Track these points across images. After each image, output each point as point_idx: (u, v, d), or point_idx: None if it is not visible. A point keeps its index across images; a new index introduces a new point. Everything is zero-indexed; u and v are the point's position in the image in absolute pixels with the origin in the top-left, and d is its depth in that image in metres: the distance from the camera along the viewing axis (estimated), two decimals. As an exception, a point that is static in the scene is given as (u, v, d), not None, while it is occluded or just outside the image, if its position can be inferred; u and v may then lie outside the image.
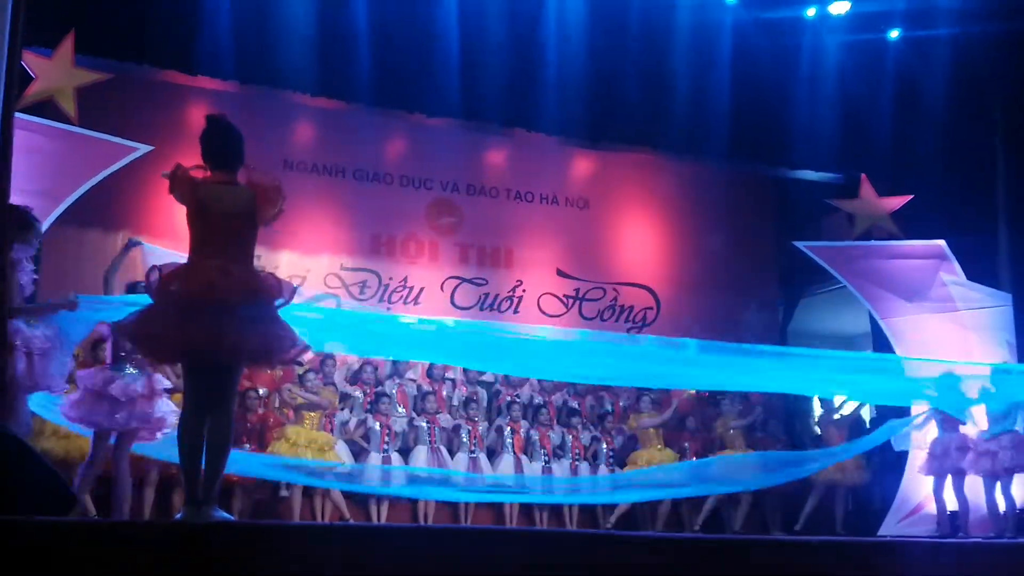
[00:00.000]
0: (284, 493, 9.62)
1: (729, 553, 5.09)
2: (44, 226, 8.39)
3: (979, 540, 8.10)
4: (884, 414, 10.67)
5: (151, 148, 9.17)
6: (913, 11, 11.01)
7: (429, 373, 10.81)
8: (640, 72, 11.28)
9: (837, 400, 11.31)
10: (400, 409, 10.10)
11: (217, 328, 4.84)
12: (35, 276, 6.51)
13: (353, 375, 10.54)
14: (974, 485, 9.28)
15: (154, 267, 5.04)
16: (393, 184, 12.43)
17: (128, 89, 10.31)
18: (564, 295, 12.90)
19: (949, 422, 9.25)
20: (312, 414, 9.52)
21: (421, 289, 12.21)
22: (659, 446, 10.47)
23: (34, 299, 6.69)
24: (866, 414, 11.22)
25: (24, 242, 6.36)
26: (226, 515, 5.32)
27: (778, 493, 10.86)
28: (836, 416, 10.88)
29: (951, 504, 9.44)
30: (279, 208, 5.16)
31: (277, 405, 9.78)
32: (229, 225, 5.04)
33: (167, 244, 10.07)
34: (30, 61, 8.70)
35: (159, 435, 6.88)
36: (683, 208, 13.62)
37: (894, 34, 11.33)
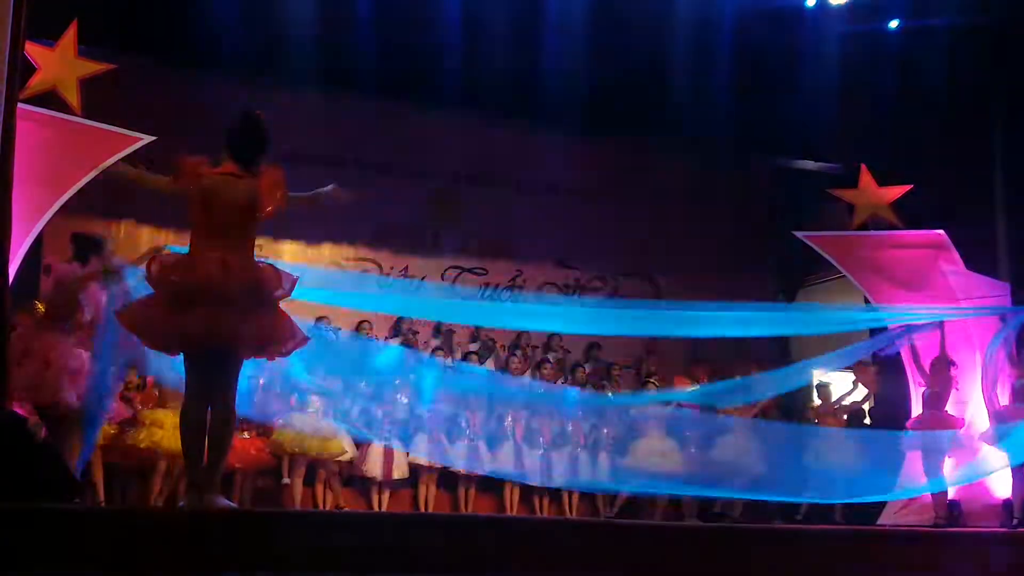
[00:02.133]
0: (286, 480, 9.66)
1: (729, 542, 5.13)
2: (47, 216, 8.46)
3: (978, 529, 8.14)
4: (883, 408, 10.71)
5: (153, 138, 9.17)
6: (913, 1, 11.01)
7: (430, 362, 10.85)
8: (641, 62, 11.28)
9: (836, 393, 11.33)
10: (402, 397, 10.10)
11: (216, 318, 4.88)
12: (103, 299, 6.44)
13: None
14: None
15: (154, 257, 5.07)
16: (395, 174, 12.44)
17: (131, 80, 10.31)
18: (564, 285, 12.92)
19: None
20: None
21: (422, 278, 12.23)
22: (660, 435, 10.38)
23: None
24: (866, 404, 11.22)
25: (103, 258, 6.42)
26: (227, 502, 5.36)
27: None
28: (836, 407, 10.91)
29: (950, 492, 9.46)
30: (282, 200, 5.18)
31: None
32: (230, 216, 5.07)
33: (170, 234, 10.15)
34: (33, 52, 8.71)
35: None
36: (684, 198, 13.61)
37: (894, 24, 11.32)
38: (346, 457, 9.79)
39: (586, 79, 11.16)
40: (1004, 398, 9.12)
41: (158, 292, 5.05)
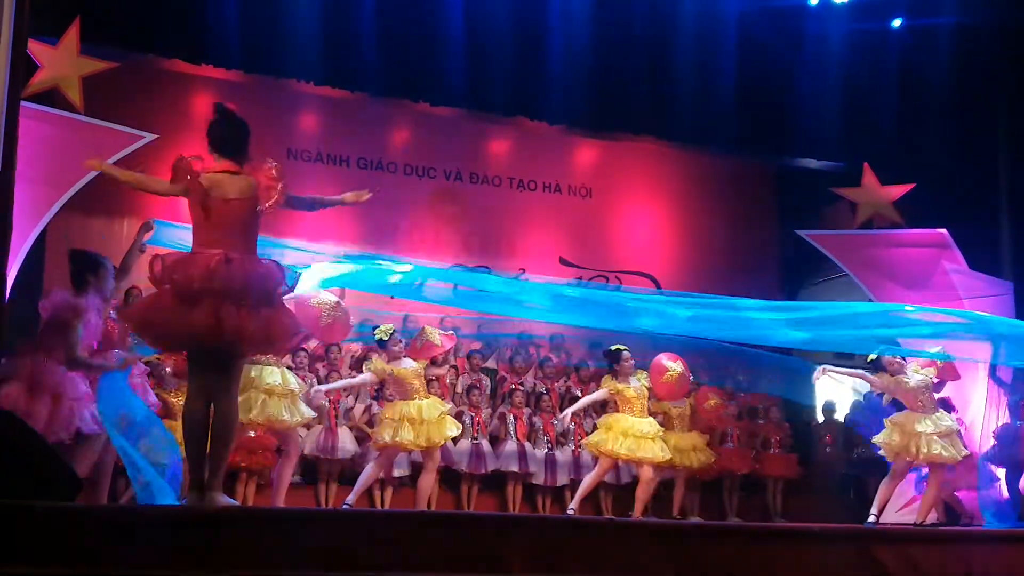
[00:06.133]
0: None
1: (728, 540, 5.14)
2: (50, 214, 8.46)
3: (977, 529, 8.13)
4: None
5: (156, 136, 9.17)
6: (916, -1, 11.04)
7: (432, 360, 10.83)
8: (643, 60, 11.28)
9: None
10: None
11: (219, 316, 4.88)
12: (103, 324, 6.09)
13: (357, 362, 10.55)
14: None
15: (156, 256, 5.08)
16: (397, 173, 12.44)
17: (133, 78, 10.32)
18: (566, 283, 12.90)
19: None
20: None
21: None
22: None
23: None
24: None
25: (98, 286, 6.05)
26: (230, 500, 5.37)
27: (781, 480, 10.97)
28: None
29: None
30: (280, 194, 5.19)
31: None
32: (231, 213, 5.08)
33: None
34: (36, 50, 8.71)
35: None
36: (686, 196, 13.62)
37: (897, 22, 11.32)
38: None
39: (589, 78, 11.16)
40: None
41: (161, 291, 5.06)
